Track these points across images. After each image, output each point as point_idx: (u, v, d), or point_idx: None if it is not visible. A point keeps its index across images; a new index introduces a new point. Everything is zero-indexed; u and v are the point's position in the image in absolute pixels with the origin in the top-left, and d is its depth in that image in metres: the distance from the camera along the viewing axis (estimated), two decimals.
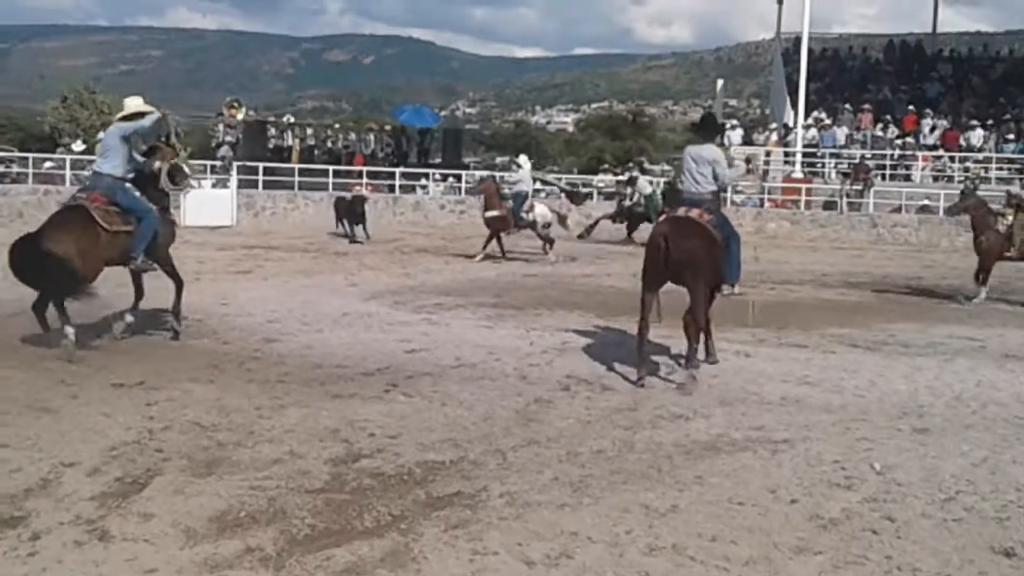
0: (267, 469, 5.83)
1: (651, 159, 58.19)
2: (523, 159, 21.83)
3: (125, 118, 9.80)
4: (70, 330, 8.85)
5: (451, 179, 32.52)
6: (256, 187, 27.68)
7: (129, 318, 9.81)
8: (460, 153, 36.04)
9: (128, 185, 9.61)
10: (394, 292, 14.10)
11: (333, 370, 8.71)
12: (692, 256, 8.31)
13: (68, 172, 25.12)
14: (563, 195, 27.98)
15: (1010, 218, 15.14)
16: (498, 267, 18.63)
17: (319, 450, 6.26)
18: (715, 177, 8.82)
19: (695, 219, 8.58)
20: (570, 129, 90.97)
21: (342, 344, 9.94)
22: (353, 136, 34.97)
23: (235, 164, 27.16)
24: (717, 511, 5.33)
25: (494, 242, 20.10)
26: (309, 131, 34.45)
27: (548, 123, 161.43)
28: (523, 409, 7.49)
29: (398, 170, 31.42)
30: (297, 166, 29.47)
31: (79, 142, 32.04)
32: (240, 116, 31.33)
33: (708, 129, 10.06)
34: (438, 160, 34.88)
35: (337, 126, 36.66)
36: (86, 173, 23.20)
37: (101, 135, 13.34)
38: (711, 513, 5.29)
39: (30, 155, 26.72)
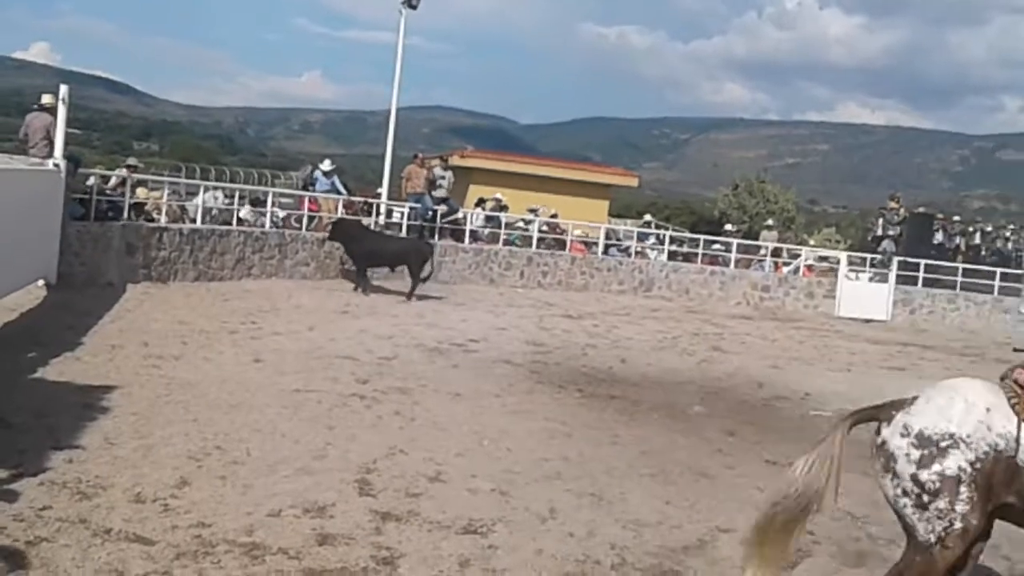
0: None
1: None
2: None
3: None
4: None
5: None
6: (915, 284, 26.93)
7: None
8: None
9: None
10: None
11: None
12: None
13: (733, 255, 26.48)
14: None
15: None
16: None
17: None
18: None
19: None
20: None
21: None
22: None
23: (895, 259, 26.71)
24: None
25: None
26: (977, 231, 32.82)
27: None
28: None
29: None
30: (961, 266, 28.14)
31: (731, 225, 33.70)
32: (902, 211, 30.72)
33: None
34: None
35: (1012, 227, 34.48)
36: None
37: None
38: None
39: (700, 236, 28.62)
